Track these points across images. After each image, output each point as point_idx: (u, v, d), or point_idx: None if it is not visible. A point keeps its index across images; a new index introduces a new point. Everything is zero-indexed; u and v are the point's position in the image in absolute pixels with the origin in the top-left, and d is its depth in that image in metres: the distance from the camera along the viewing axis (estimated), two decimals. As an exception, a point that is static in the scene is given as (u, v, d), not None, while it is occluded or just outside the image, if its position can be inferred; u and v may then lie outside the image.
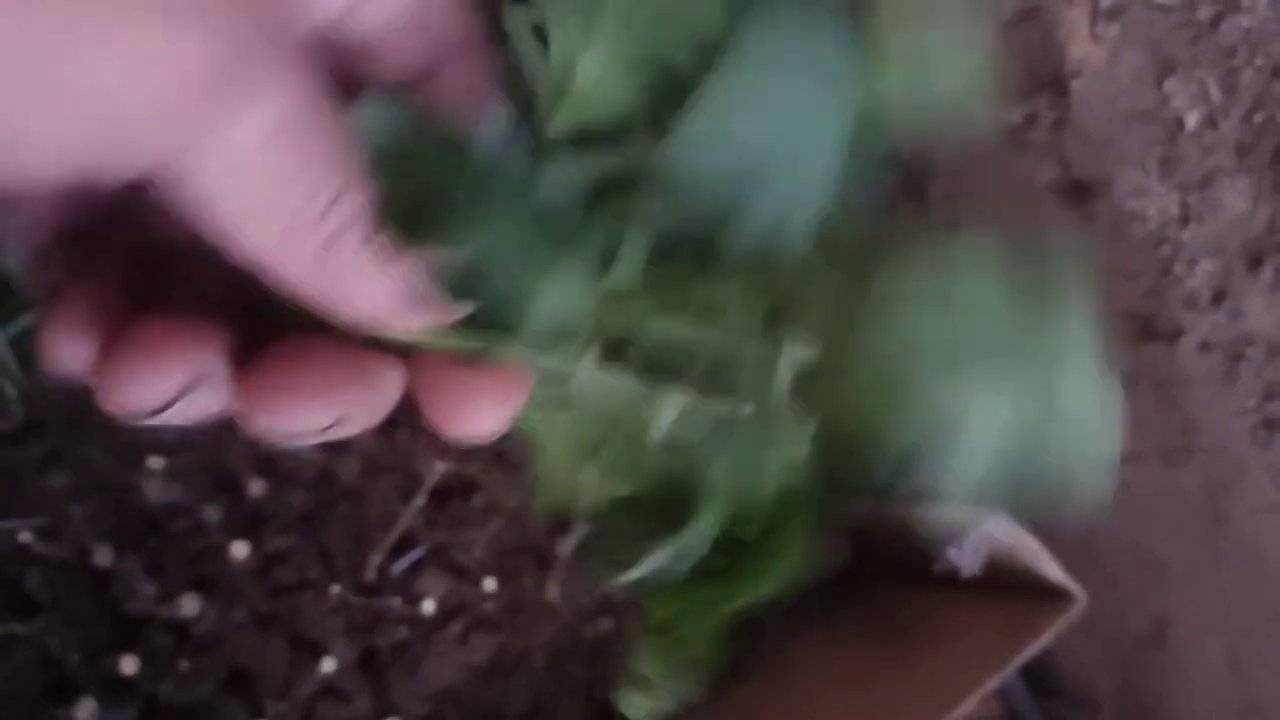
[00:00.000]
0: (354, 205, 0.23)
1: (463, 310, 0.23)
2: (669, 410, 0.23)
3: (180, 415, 0.25)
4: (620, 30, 0.21)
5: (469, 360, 0.25)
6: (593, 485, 0.24)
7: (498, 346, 0.24)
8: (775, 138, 0.19)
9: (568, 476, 0.24)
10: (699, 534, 0.23)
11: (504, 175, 0.22)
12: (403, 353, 0.26)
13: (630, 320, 0.24)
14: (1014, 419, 0.18)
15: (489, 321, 0.23)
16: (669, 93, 0.23)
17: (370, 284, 0.24)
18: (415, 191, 0.22)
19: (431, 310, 0.25)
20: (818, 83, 0.20)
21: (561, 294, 0.23)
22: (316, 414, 0.25)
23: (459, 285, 0.23)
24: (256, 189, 0.22)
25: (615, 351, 0.24)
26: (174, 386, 0.24)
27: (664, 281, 0.23)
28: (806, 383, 0.21)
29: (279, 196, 0.22)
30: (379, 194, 0.23)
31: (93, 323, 0.25)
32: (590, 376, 0.23)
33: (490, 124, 0.23)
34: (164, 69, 0.20)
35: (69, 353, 0.25)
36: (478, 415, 0.25)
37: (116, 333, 0.25)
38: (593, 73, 0.22)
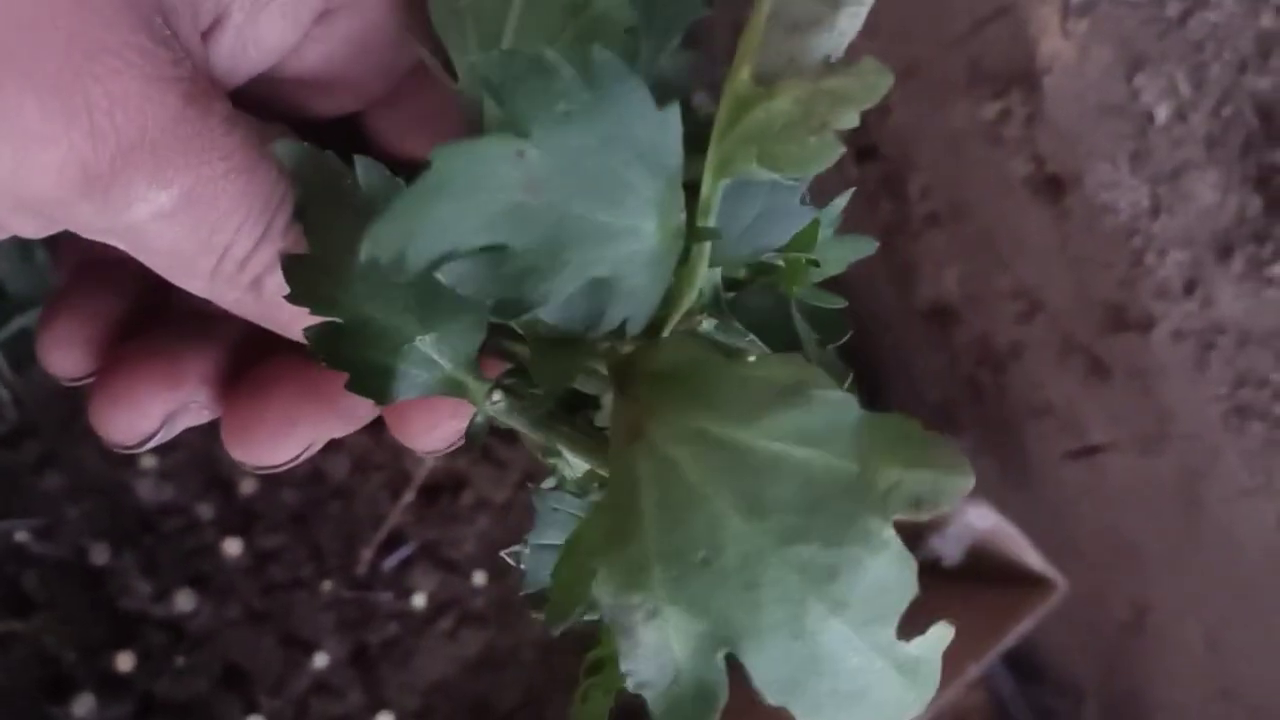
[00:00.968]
0: (274, 251, 0.23)
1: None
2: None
3: (164, 439, 0.26)
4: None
5: None
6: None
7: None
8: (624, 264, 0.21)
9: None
10: None
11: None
12: None
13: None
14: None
15: (365, 388, 0.24)
16: None
17: (299, 316, 0.24)
18: (322, 236, 0.23)
19: None
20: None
21: (439, 350, 0.24)
22: (284, 449, 0.26)
23: (339, 347, 0.24)
24: (168, 254, 0.22)
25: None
26: (153, 425, 0.25)
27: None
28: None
29: (193, 257, 0.23)
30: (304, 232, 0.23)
31: (88, 334, 0.26)
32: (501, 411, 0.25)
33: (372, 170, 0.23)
34: (42, 169, 0.20)
35: (59, 360, 0.26)
36: (434, 429, 0.26)
37: (110, 349, 0.26)
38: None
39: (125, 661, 0.78)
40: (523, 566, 0.27)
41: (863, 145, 0.87)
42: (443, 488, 0.89)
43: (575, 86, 0.20)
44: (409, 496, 0.87)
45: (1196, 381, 0.74)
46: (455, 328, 0.24)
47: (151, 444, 0.26)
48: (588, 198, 0.20)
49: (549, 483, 0.27)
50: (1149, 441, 0.79)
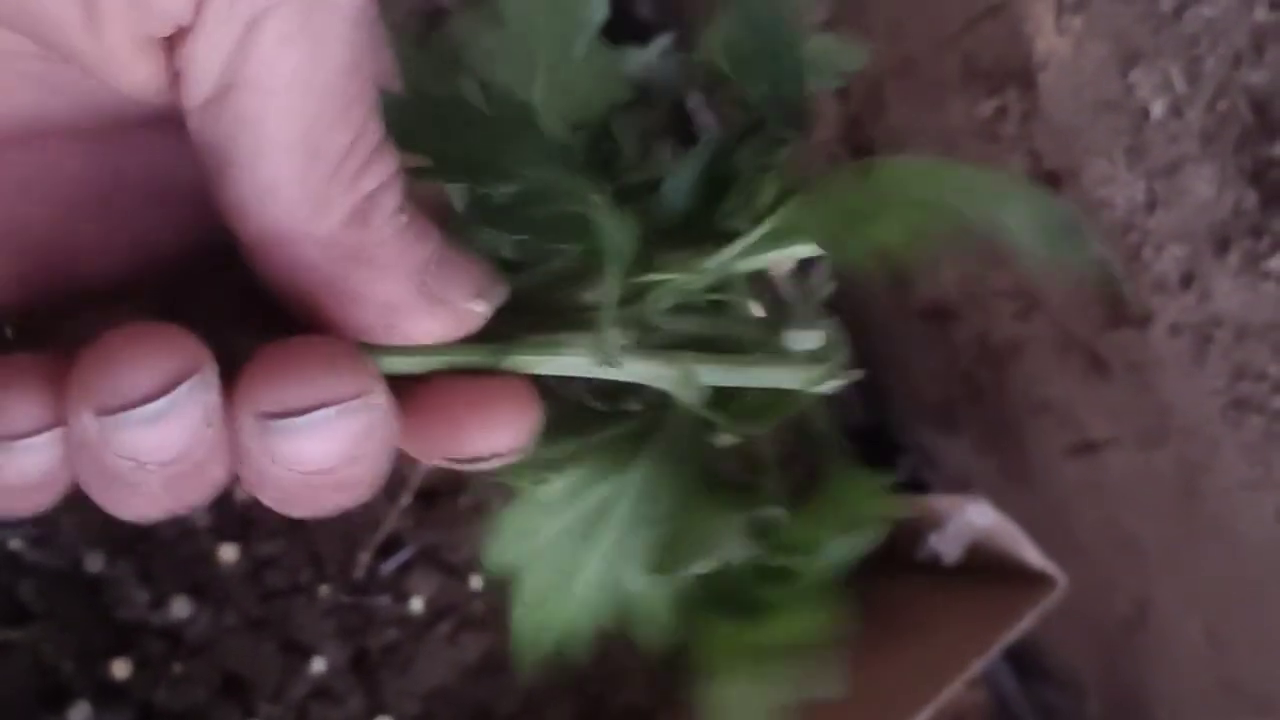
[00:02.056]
0: (389, 166, 0.22)
1: (492, 302, 0.23)
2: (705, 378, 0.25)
3: (175, 429, 0.22)
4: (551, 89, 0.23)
5: (476, 375, 0.24)
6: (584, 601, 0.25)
7: (505, 356, 0.24)
8: None
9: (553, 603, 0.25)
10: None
11: (527, 118, 0.24)
12: (401, 384, 0.24)
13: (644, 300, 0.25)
14: None
15: (557, 239, 0.23)
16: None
17: (397, 265, 0.22)
18: (453, 134, 0.23)
19: (453, 308, 0.23)
20: None
21: (614, 221, 0.24)
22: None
23: (516, 213, 0.23)
24: (292, 113, 0.20)
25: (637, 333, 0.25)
26: (155, 381, 0.21)
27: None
28: None
29: (316, 125, 0.21)
30: (425, 149, 0.23)
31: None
32: (628, 364, 0.25)
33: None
34: None
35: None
36: (498, 429, 0.24)
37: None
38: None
39: (122, 670, 0.78)
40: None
41: (858, 144, 0.87)
42: (440, 491, 0.89)
43: None
44: (406, 500, 0.87)
45: (1195, 375, 0.74)
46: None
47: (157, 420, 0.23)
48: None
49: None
50: (1148, 436, 0.79)
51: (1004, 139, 0.76)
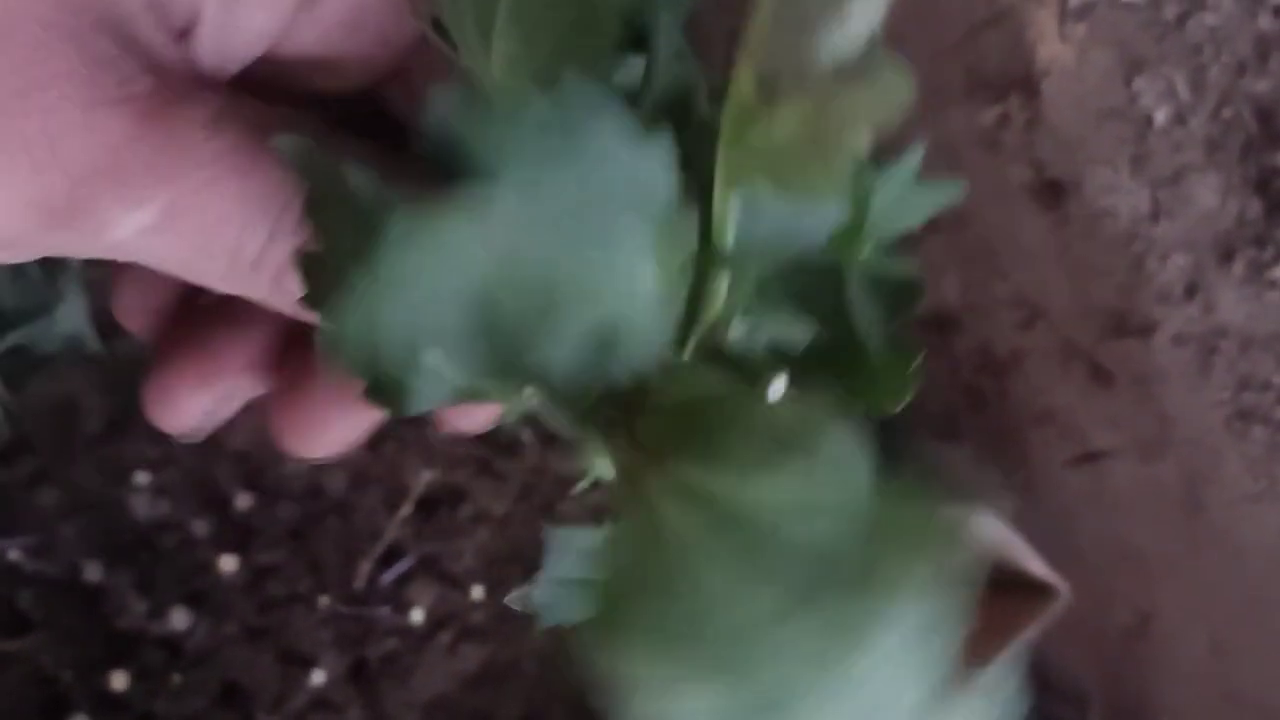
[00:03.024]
0: (289, 249, 0.22)
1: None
2: None
3: (222, 419, 0.26)
4: (515, 35, 0.20)
5: None
6: None
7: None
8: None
9: None
10: None
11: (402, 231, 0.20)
12: None
13: None
14: None
15: (382, 397, 0.20)
16: None
17: None
18: (326, 238, 0.21)
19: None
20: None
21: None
22: (336, 442, 0.25)
23: (359, 358, 0.20)
24: (171, 261, 0.22)
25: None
26: (194, 420, 0.25)
27: None
28: None
29: (196, 263, 0.22)
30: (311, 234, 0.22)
31: (153, 304, 0.26)
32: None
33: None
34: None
35: (129, 316, 0.26)
36: (468, 415, 0.25)
37: (174, 317, 0.26)
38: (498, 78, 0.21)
39: (121, 680, 0.78)
40: (530, 609, 0.25)
41: (860, 152, 0.87)
42: (441, 501, 0.89)
43: (545, 124, 0.18)
44: (407, 509, 0.87)
45: (1198, 386, 0.74)
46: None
47: (209, 429, 0.26)
48: (569, 251, 0.18)
49: (583, 485, 0.24)
50: (1151, 447, 0.79)
51: (1006, 148, 0.76)
